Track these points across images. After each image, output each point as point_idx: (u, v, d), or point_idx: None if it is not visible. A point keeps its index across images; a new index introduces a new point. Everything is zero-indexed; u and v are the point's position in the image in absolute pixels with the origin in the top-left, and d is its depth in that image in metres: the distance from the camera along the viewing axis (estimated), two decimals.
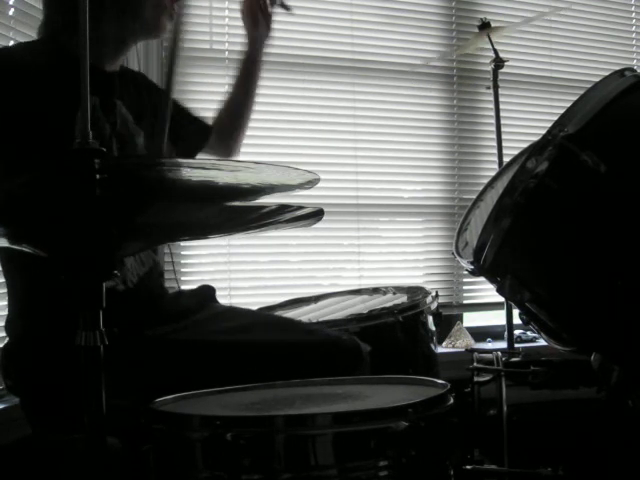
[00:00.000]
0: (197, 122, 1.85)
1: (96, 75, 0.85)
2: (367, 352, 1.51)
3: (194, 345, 1.41)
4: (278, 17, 1.86)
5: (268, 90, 2.66)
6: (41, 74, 1.43)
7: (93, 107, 1.42)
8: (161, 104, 1.48)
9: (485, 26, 2.52)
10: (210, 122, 1.88)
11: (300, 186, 0.94)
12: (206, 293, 1.69)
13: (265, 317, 1.65)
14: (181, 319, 1.52)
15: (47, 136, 1.36)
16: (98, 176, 0.78)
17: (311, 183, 0.94)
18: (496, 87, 2.56)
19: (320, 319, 1.90)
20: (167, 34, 1.59)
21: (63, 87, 1.38)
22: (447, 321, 2.56)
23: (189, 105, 2.57)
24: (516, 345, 2.53)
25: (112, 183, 0.81)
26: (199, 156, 1.88)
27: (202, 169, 0.87)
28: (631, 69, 1.43)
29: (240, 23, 1.86)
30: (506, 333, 2.53)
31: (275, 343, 1.43)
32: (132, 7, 1.52)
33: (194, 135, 1.83)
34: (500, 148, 2.57)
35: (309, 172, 0.91)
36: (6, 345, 1.48)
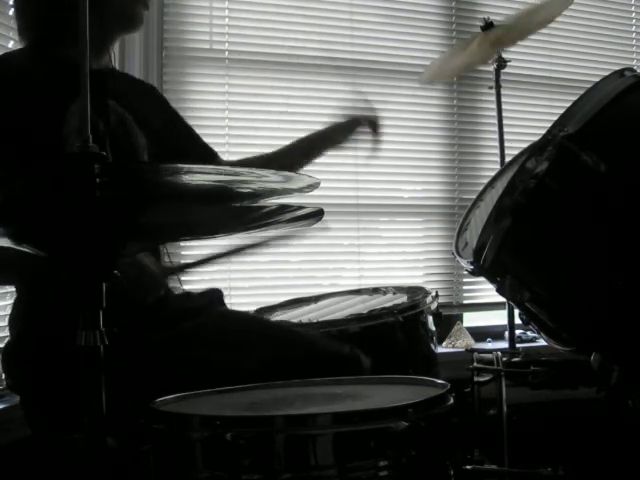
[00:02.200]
0: (204, 148, 1.83)
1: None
2: (368, 366, 1.50)
3: (193, 360, 1.40)
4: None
5: (268, 90, 2.67)
6: (32, 78, 1.44)
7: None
8: None
9: (488, 26, 2.50)
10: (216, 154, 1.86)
11: (300, 190, 0.94)
12: (213, 296, 1.68)
13: (264, 328, 1.62)
14: (186, 321, 1.51)
15: (41, 137, 1.36)
16: (98, 180, 0.79)
17: (311, 187, 0.94)
18: (498, 87, 2.55)
19: (320, 319, 1.90)
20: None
21: (54, 89, 1.39)
22: (447, 321, 2.56)
23: (190, 105, 2.57)
24: (516, 345, 2.53)
25: (112, 185, 0.81)
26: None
27: (203, 174, 0.87)
28: (631, 69, 1.43)
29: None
30: (507, 333, 2.52)
31: (274, 360, 1.41)
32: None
33: (198, 160, 1.79)
34: (502, 148, 2.56)
35: (309, 177, 0.91)
36: (8, 343, 1.49)
